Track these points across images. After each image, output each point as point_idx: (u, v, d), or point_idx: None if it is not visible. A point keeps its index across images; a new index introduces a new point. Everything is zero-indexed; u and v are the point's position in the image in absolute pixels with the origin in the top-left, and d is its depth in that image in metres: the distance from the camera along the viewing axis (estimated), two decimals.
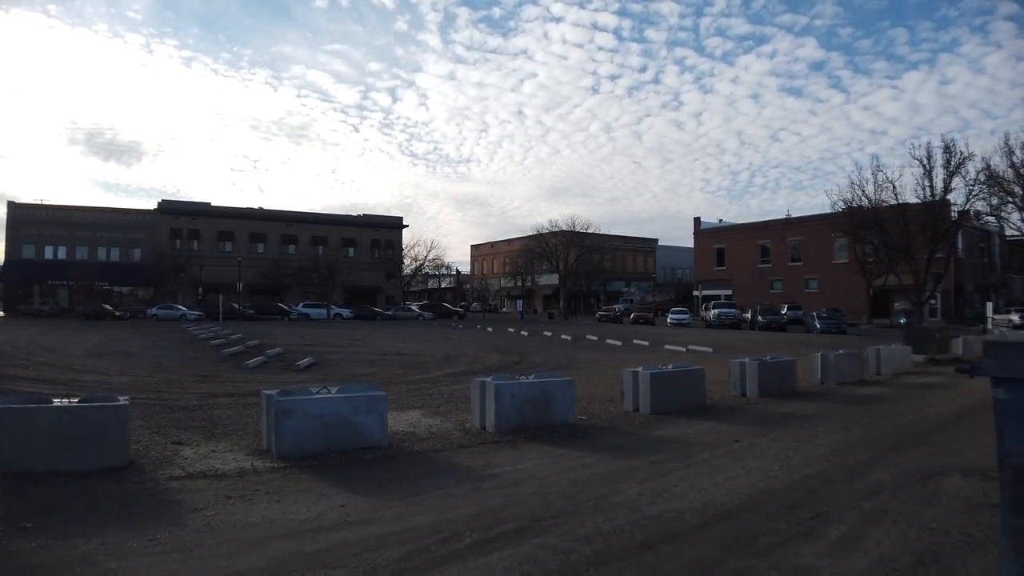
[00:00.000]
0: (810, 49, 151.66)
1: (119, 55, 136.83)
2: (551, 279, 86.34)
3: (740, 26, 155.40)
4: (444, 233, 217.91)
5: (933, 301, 59.26)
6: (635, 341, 31.45)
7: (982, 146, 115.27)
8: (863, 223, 44.41)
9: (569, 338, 34.14)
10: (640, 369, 11.52)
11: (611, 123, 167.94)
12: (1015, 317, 44.97)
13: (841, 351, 16.42)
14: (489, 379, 9.41)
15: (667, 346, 28.91)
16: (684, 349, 27.23)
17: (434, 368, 18.70)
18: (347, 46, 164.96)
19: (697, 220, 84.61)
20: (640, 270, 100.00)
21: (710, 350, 26.95)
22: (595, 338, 34.24)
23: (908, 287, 58.54)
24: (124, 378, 15.30)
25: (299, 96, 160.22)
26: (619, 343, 30.50)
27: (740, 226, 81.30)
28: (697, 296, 63.16)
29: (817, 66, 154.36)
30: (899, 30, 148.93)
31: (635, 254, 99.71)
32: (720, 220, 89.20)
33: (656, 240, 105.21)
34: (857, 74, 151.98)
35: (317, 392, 7.85)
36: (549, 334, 37.92)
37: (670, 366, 11.93)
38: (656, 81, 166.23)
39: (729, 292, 72.02)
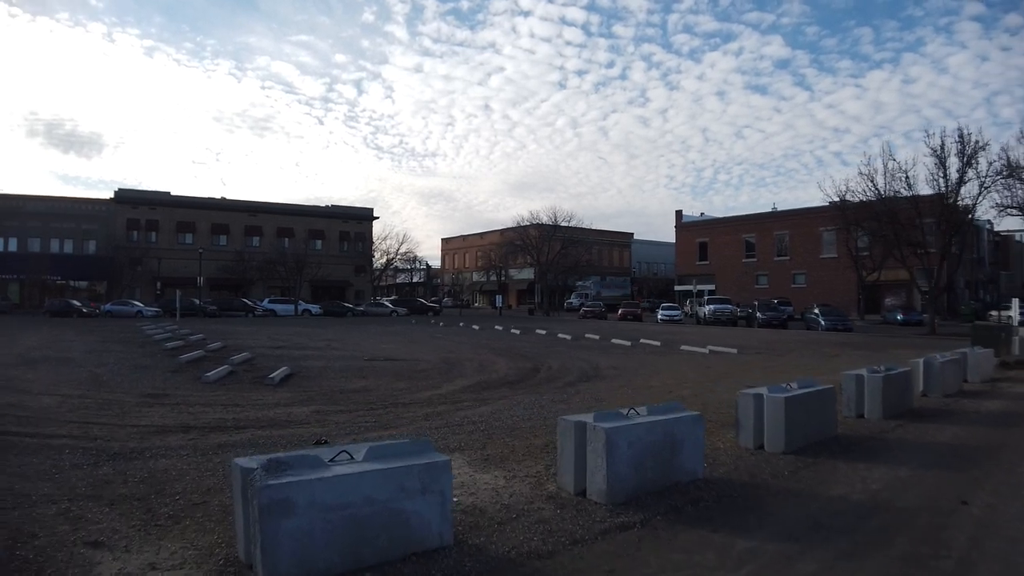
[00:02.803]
0: (776, 47, 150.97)
1: (81, 44, 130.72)
2: (526, 273, 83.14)
3: (707, 23, 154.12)
4: (410, 228, 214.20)
5: (924, 297, 57.60)
6: (643, 341, 28.36)
7: (935, 144, 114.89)
8: (862, 216, 41.93)
9: (568, 338, 30.89)
10: (765, 391, 8.33)
11: (578, 118, 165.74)
12: (1014, 313, 42.86)
13: (944, 357, 13.44)
14: (590, 419, 6.08)
15: (683, 347, 25.89)
16: (705, 350, 24.20)
17: (440, 379, 15.28)
18: (313, 37, 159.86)
19: (679, 213, 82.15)
20: (616, 265, 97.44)
21: (734, 351, 24.00)
22: (596, 337, 31.05)
23: (903, 282, 56.95)
24: (49, 399, 11.58)
25: (263, 88, 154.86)
26: (628, 343, 27.36)
27: (724, 220, 79.04)
28: (691, 291, 60.39)
29: (783, 64, 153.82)
30: (865, 29, 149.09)
31: (611, 248, 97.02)
32: (702, 214, 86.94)
33: (632, 234, 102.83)
34: (822, 72, 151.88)
35: (332, 460, 4.43)
36: (543, 332, 34.64)
37: (794, 384, 8.74)
38: (623, 77, 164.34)
39: (712, 287, 69.60)
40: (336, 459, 4.45)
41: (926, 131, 48.05)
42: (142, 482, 6.32)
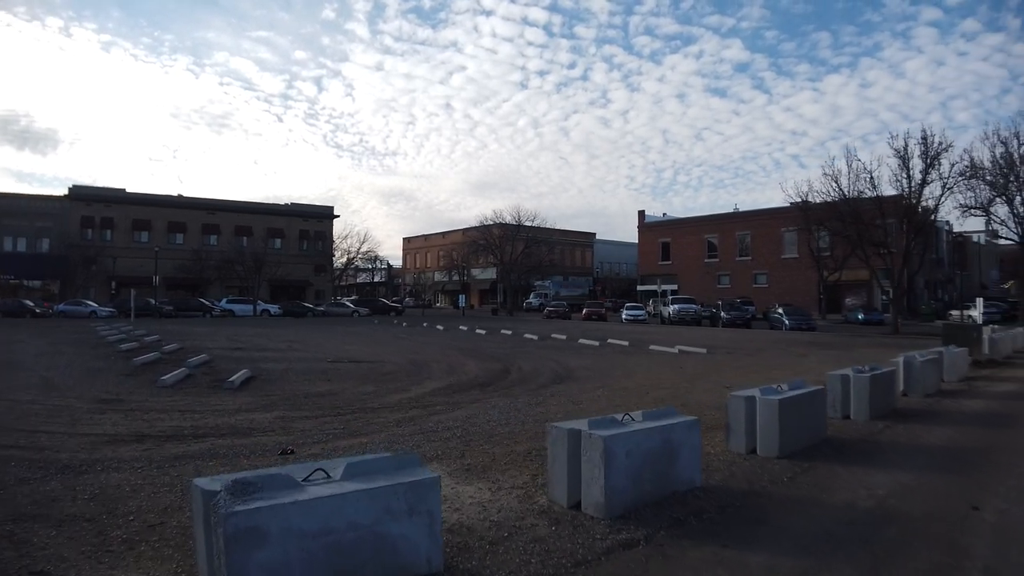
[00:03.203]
0: (736, 50, 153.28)
1: (37, 38, 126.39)
2: (488, 273, 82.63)
3: (668, 26, 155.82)
4: (370, 227, 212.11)
5: (884, 297, 58.70)
6: (611, 341, 28.11)
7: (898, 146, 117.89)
8: (827, 216, 42.45)
9: (535, 338, 30.50)
10: (757, 393, 8.00)
11: (539, 118, 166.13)
12: (974, 313, 43.88)
13: (923, 356, 13.34)
14: (584, 427, 5.64)
15: (652, 346, 25.71)
16: (675, 350, 24.04)
17: (409, 382, 14.71)
18: (272, 33, 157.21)
19: (641, 213, 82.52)
20: (578, 265, 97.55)
21: (703, 351, 23.87)
22: (563, 337, 30.72)
23: (863, 281, 57.93)
24: None
25: (221, 84, 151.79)
26: (596, 343, 27.07)
27: (686, 220, 79.65)
28: (656, 291, 60.55)
29: (742, 67, 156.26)
30: (823, 34, 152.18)
31: (573, 248, 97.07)
32: (664, 214, 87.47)
33: (594, 234, 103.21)
34: (780, 76, 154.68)
35: (306, 479, 3.90)
36: (509, 333, 34.19)
37: (785, 386, 8.43)
38: (584, 78, 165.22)
39: (675, 287, 69.97)
40: (311, 478, 3.91)
41: (890, 133, 49.04)
42: (93, 500, 5.67)
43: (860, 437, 9.05)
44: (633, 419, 6.14)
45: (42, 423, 9.19)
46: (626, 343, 27.31)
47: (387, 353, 21.86)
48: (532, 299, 76.22)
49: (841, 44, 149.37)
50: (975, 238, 63.07)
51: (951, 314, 51.87)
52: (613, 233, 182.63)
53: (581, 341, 28.27)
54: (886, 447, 8.48)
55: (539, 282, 79.52)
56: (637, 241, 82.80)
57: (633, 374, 16.71)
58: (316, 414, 10.31)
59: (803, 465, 7.37)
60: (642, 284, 78.53)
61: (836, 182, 39.12)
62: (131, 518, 5.23)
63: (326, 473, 3.99)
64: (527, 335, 32.12)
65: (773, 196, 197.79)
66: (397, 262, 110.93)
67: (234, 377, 13.71)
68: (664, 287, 59.29)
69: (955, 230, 55.68)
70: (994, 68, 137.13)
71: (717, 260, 71.95)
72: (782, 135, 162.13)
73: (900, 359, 13.18)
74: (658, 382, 15.01)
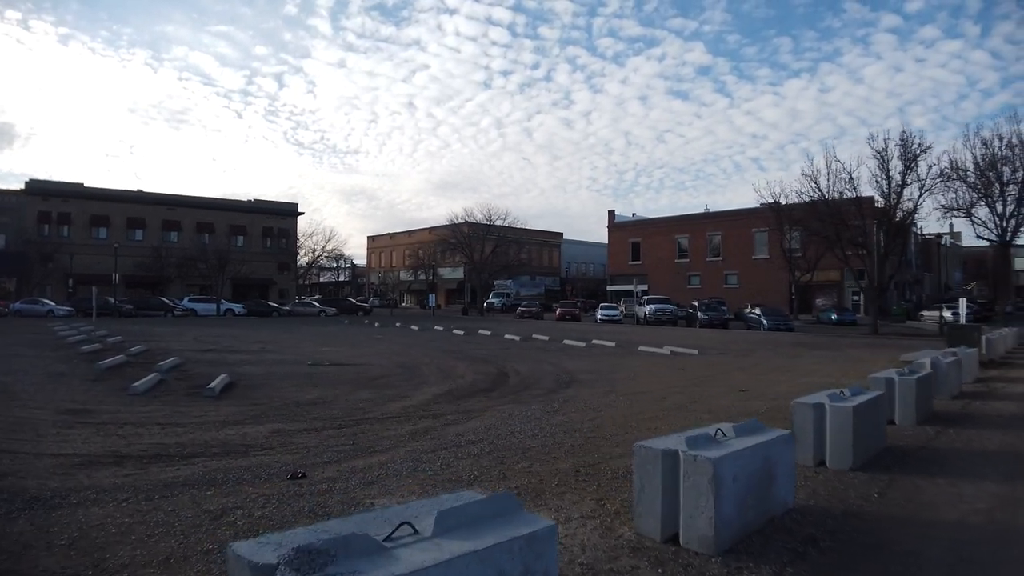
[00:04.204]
0: (698, 54, 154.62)
1: None
2: (456, 273, 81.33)
3: (632, 28, 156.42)
4: (331, 226, 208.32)
5: (856, 297, 59.14)
6: (596, 342, 27.32)
7: (858, 151, 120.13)
8: (807, 216, 42.33)
9: (517, 338, 29.54)
10: (825, 400, 7.20)
11: (502, 119, 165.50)
12: (948, 314, 44.19)
13: (948, 357, 12.76)
14: (681, 446, 4.72)
15: (640, 347, 24.96)
16: (666, 352, 23.29)
17: (404, 388, 13.62)
18: (233, 28, 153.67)
19: (611, 213, 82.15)
20: (546, 264, 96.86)
21: (695, 352, 23.23)
22: (546, 338, 29.82)
23: (833, 282, 58.29)
24: None
25: (180, 79, 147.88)
26: (582, 344, 26.23)
27: (657, 220, 79.46)
28: (633, 291, 59.99)
29: (704, 70, 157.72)
30: (784, 39, 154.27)
31: (541, 248, 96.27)
32: (634, 214, 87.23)
33: (561, 234, 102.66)
34: (742, 80, 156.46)
35: (389, 538, 2.88)
36: (488, 333, 33.17)
37: (847, 391, 7.65)
38: (548, 79, 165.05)
39: (645, 287, 69.67)
40: (396, 535, 2.90)
41: (870, 133, 49.10)
42: (73, 547, 4.53)
43: (918, 444, 8.35)
44: (725, 434, 5.25)
45: (3, 440, 7.93)
46: (612, 344, 26.54)
47: (368, 355, 20.69)
48: (493, 299, 74.00)
49: (802, 49, 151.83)
50: (942, 240, 64.00)
51: (922, 315, 52.37)
52: (576, 234, 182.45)
53: (566, 342, 27.40)
54: (949, 455, 7.78)
55: (499, 281, 77.57)
56: (605, 241, 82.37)
57: (637, 377, 15.88)
58: (315, 426, 9.19)
59: (883, 479, 6.61)
60: (612, 284, 78.14)
61: (815, 182, 38.99)
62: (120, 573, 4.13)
63: (412, 528, 2.98)
64: (508, 336, 31.14)
65: (733, 198, 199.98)
66: (360, 261, 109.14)
67: (213, 384, 12.46)
68: (640, 287, 58.70)
69: (933, 232, 56.26)
70: (951, 74, 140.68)
71: (688, 260, 71.87)
72: (743, 138, 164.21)
73: (927, 360, 12.55)
74: (667, 386, 14.19)
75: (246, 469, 6.74)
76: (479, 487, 6.09)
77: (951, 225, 49.52)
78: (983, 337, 20.44)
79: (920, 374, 10.01)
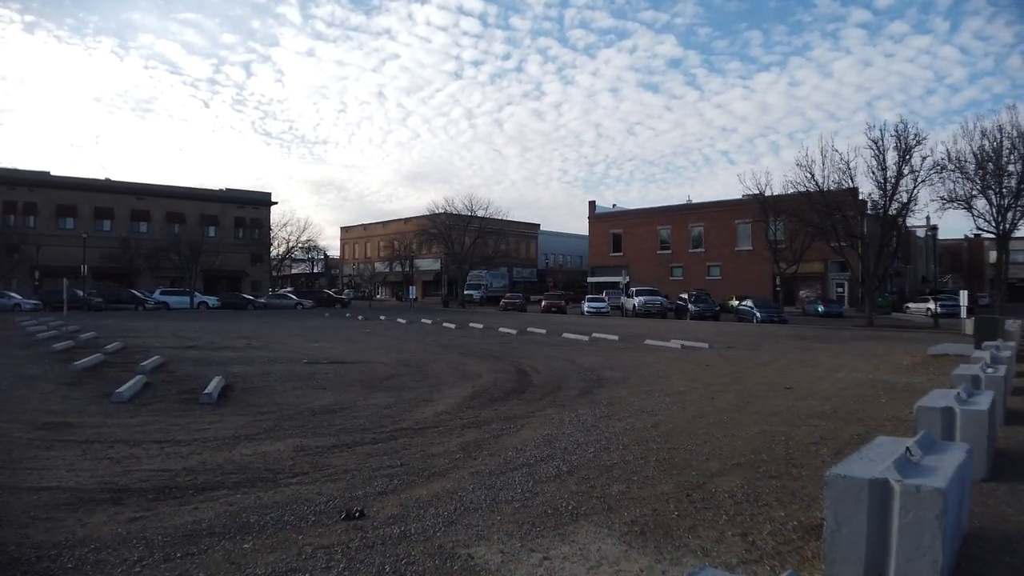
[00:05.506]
0: (669, 46, 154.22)
1: None
2: (433, 264, 79.56)
3: (603, 19, 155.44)
4: (300, 217, 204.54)
5: (840, 289, 58.88)
6: (597, 335, 26.20)
7: (826, 145, 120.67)
8: (801, 207, 41.56)
9: (514, 332, 28.23)
10: (954, 403, 6.12)
11: (473, 109, 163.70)
12: (932, 306, 43.95)
13: (1005, 351, 11.81)
14: (892, 473, 3.56)
15: (647, 341, 23.83)
16: (676, 345, 22.19)
17: (423, 389, 12.26)
18: (200, 15, 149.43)
19: (592, 204, 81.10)
20: (523, 256, 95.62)
21: (705, 345, 22.22)
22: (543, 331, 28.58)
23: (817, 274, 57.96)
24: None
25: (146, 67, 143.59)
26: (585, 338, 25.08)
27: (638, 211, 78.56)
28: (620, 283, 59.01)
29: (675, 63, 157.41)
30: (755, 32, 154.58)
31: (518, 239, 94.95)
32: (614, 205, 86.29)
33: (538, 225, 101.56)
34: (712, 73, 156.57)
35: None
36: (480, 327, 31.82)
37: (962, 392, 6.59)
38: (519, 70, 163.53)
39: (627, 279, 68.81)
40: None
41: (867, 124, 48.61)
42: None
43: (1015, 446, 7.34)
44: (912, 453, 4.09)
45: None
46: (615, 338, 25.41)
47: (366, 351, 19.28)
48: (470, 290, 71.33)
49: (772, 43, 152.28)
50: (919, 232, 64.11)
51: (908, 307, 52.23)
52: (548, 225, 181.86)
53: (567, 336, 26.23)
54: None
55: (474, 272, 75.44)
56: (580, 233, 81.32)
57: (667, 376, 14.69)
58: (344, 441, 7.84)
59: (1019, 488, 5.56)
60: (593, 276, 77.14)
61: (810, 172, 38.21)
62: None
63: None
64: (503, 329, 29.82)
65: (703, 191, 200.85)
66: (333, 253, 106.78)
67: (209, 388, 11.00)
68: (626, 279, 57.75)
69: (931, 223, 56.23)
70: (920, 69, 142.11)
71: (670, 252, 71.12)
72: (712, 131, 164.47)
73: (987, 354, 11.58)
74: (705, 385, 13.07)
75: (283, 506, 5.39)
76: (587, 523, 4.83)
77: (928, 218, 49.27)
78: (1004, 331, 19.71)
79: (998, 372, 9.02)
